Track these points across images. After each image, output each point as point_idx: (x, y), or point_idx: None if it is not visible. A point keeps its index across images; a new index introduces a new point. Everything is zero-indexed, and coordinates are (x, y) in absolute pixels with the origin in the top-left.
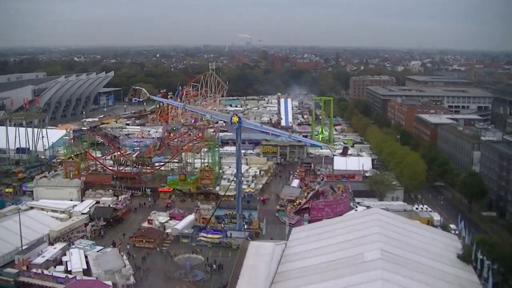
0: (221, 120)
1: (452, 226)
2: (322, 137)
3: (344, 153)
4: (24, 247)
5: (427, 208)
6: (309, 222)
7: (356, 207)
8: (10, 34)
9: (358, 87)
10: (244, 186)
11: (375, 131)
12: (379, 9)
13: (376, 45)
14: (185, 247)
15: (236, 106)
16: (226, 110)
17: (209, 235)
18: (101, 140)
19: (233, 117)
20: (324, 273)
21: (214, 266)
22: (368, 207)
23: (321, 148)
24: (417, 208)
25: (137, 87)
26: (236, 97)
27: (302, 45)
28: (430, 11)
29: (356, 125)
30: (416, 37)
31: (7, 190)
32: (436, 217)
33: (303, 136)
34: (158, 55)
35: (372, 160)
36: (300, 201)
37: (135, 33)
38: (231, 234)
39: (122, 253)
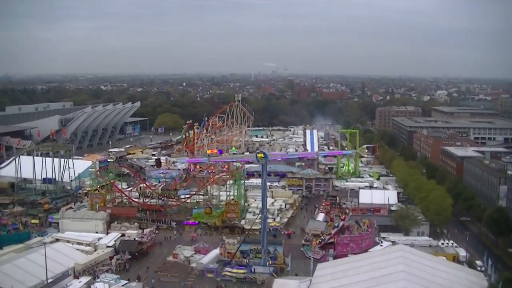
0: (249, 161)
1: (478, 262)
2: (347, 170)
3: (374, 151)
4: (49, 281)
5: (452, 244)
6: (334, 257)
7: (382, 242)
8: (38, 62)
9: (384, 118)
10: (269, 220)
11: (401, 164)
12: (404, 38)
13: (402, 74)
14: (210, 282)
15: (261, 137)
16: (251, 141)
17: (234, 270)
18: (127, 171)
19: (258, 155)
20: None
21: None
22: (393, 242)
23: (351, 156)
24: (442, 244)
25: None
26: (262, 128)
27: (328, 73)
28: (455, 40)
29: (382, 157)
30: (441, 66)
31: (33, 221)
32: (462, 253)
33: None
34: (184, 84)
35: (398, 194)
36: (323, 237)
37: (161, 61)
38: (254, 270)
39: None
